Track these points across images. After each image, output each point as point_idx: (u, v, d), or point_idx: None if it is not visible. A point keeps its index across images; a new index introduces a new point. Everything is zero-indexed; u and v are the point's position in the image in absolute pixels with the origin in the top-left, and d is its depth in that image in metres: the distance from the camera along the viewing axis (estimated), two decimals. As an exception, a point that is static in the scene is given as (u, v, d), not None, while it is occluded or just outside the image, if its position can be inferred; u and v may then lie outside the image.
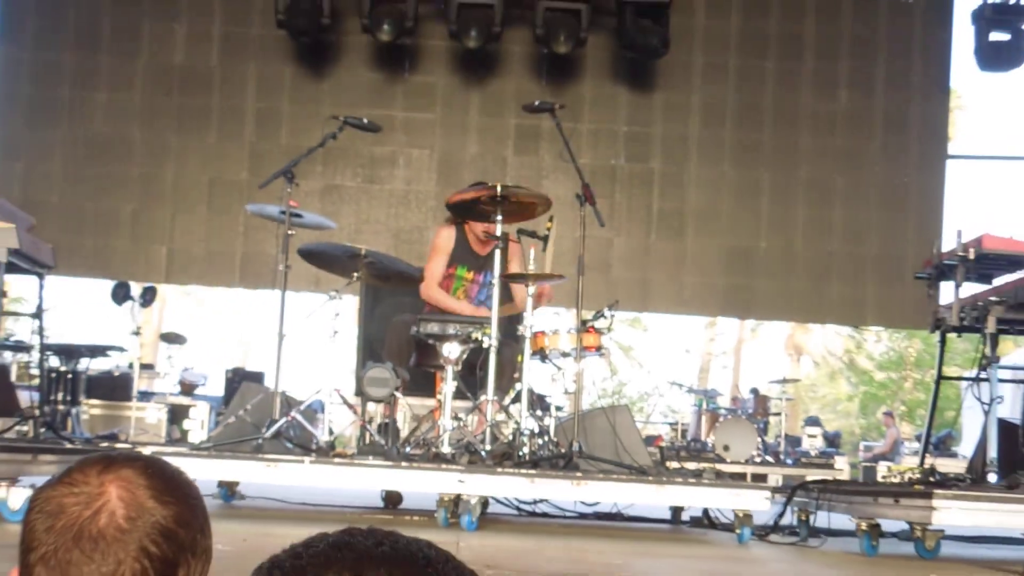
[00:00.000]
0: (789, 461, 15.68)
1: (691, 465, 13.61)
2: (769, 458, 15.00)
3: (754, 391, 18.22)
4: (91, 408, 13.80)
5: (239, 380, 16.01)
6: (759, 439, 15.04)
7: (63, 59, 13.03)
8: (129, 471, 1.59)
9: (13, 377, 10.01)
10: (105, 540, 1.53)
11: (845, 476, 15.17)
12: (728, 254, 13.32)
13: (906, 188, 13.36)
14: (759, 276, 13.34)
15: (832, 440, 19.81)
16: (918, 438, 19.58)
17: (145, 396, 14.86)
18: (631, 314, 19.49)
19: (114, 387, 14.23)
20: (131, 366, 13.44)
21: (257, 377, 16.03)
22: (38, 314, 6.67)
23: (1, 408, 6.06)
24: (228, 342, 32.38)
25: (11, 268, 5.81)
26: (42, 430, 6.31)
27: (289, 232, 6.63)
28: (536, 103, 7.90)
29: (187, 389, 16.72)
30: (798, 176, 13.33)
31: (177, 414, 15.61)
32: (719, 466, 14.60)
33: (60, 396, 11.47)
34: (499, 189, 6.39)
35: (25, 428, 6.12)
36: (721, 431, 14.50)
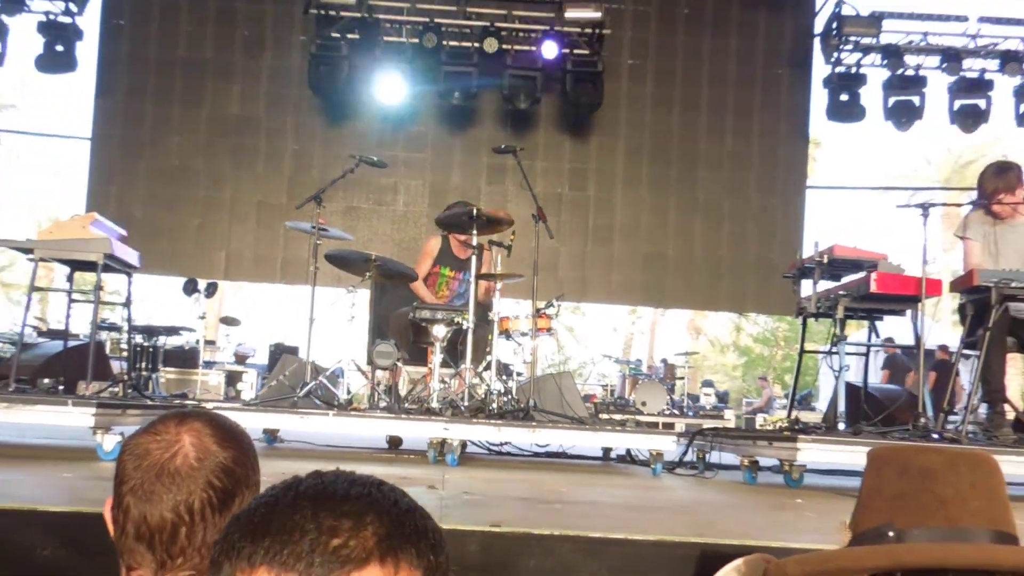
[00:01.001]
0: (690, 413, 15.71)
1: (617, 416, 13.63)
2: (675, 411, 15.03)
3: (664, 361, 18.29)
4: (167, 374, 13.89)
5: (279, 353, 15.97)
6: (668, 397, 15.07)
7: (145, 109, 12.96)
8: (198, 423, 1.59)
9: (107, 351, 9.92)
10: (180, 475, 1.54)
11: (732, 424, 15.22)
12: (644, 258, 13.36)
13: (775, 210, 13.44)
14: (668, 274, 13.40)
15: (722, 398, 19.89)
16: (786, 396, 19.76)
17: (208, 365, 14.89)
18: (573, 304, 19.42)
19: (184, 358, 14.27)
20: (197, 342, 13.41)
21: (293, 350, 15.95)
22: (127, 303, 6.62)
23: (98, 375, 5.96)
24: (271, 324, 32.27)
25: (107, 268, 5.75)
26: (129, 391, 6.26)
27: (317, 242, 6.63)
28: (502, 146, 7.93)
29: (240, 359, 16.81)
30: (696, 200, 13.38)
31: (232, 378, 15.62)
32: (638, 417, 14.65)
33: (143, 365, 11.44)
34: (475, 211, 6.42)
35: (116, 390, 6.08)
36: (639, 391, 14.52)
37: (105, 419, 4.66)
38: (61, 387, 5.79)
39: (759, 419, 14.00)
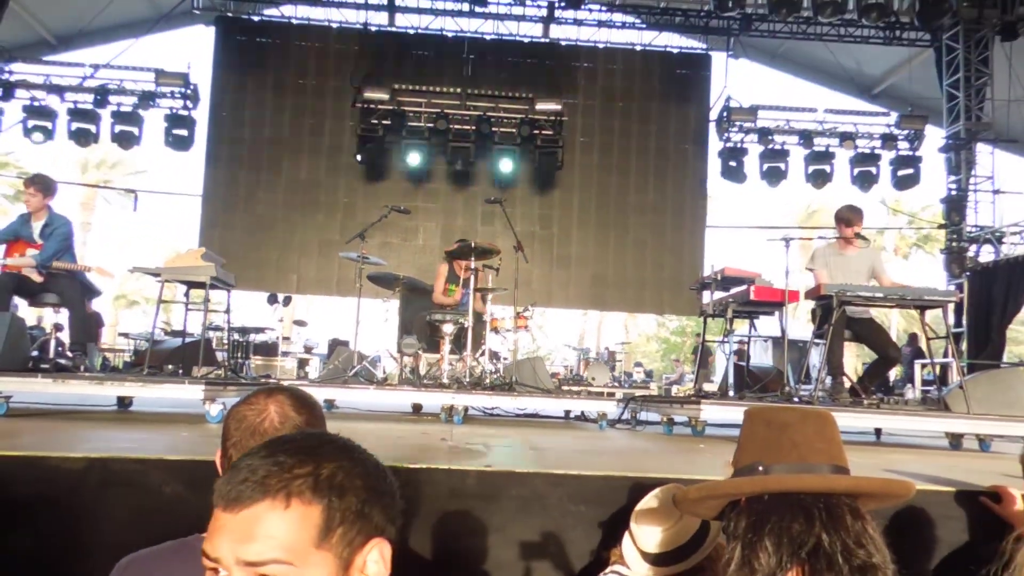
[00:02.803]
0: (626, 385, 15.63)
1: (575, 388, 13.58)
2: (616, 383, 14.94)
3: (607, 349, 18.20)
4: (255, 361, 13.88)
5: (335, 345, 15.90)
6: (611, 374, 14.96)
7: (240, 175, 12.94)
8: (281, 396, 1.59)
9: (213, 345, 9.82)
10: (268, 434, 1.54)
11: (655, 393, 15.16)
12: (593, 277, 13.40)
13: (684, 243, 13.53)
14: (609, 288, 13.44)
15: (648, 374, 19.83)
16: (693, 373, 19.82)
17: (285, 354, 14.80)
18: (542, 308, 19.31)
19: (268, 350, 14.20)
20: (277, 338, 13.32)
21: (345, 343, 15.87)
22: (227, 311, 6.56)
23: (207, 362, 5.90)
24: (330, 325, 32.07)
25: (212, 286, 5.72)
26: (229, 374, 6.17)
27: (361, 267, 6.61)
28: (492, 199, 7.90)
29: (307, 350, 16.62)
30: (628, 237, 13.43)
31: (302, 363, 15.46)
32: (589, 388, 14.57)
33: (239, 355, 11.37)
34: (472, 244, 6.42)
35: (219, 372, 5.98)
36: (590, 369, 14.41)
37: (211, 392, 4.63)
38: (180, 371, 5.77)
39: (674, 389, 13.94)
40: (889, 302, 5.20)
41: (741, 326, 8.15)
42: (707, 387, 6.52)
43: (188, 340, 6.46)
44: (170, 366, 5.70)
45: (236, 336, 12.14)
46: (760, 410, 1.46)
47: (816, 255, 5.92)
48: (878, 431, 5.69)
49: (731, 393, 5.49)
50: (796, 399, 5.12)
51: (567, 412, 6.97)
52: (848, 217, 5.84)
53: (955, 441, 5.24)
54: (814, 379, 5.50)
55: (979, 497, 2.69)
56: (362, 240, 6.64)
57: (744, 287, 5.71)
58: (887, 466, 3.73)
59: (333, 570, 0.94)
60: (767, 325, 9.42)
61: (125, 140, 12.44)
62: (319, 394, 5.71)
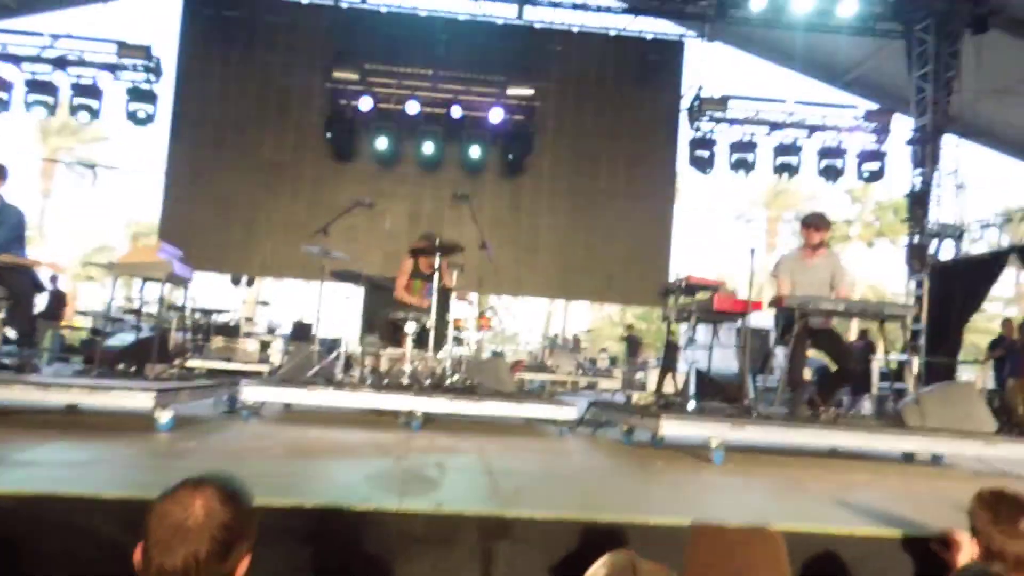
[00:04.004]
0: (590, 373, 15.67)
1: (539, 375, 13.63)
2: (580, 370, 15.02)
3: (574, 336, 18.23)
4: (216, 342, 13.87)
5: (298, 328, 15.99)
6: (575, 361, 15.00)
7: (204, 152, 12.66)
8: (209, 489, 1.53)
9: (173, 326, 9.49)
10: (191, 532, 1.46)
11: (618, 383, 15.35)
12: (562, 266, 13.37)
13: (652, 230, 13.49)
14: (577, 276, 13.39)
15: (612, 360, 19.93)
16: (657, 360, 20.00)
17: (248, 335, 14.70)
18: (510, 296, 19.20)
19: (230, 331, 14.16)
20: (240, 319, 13.17)
21: (307, 328, 15.83)
22: (182, 307, 6.36)
23: (160, 358, 5.70)
24: (293, 306, 31.84)
25: (169, 280, 5.54)
26: (183, 371, 5.94)
27: (324, 264, 6.44)
28: (459, 194, 7.78)
29: (271, 332, 16.57)
30: (597, 224, 13.36)
31: (264, 346, 15.34)
32: (553, 376, 14.65)
33: (199, 337, 11.23)
34: (438, 241, 6.29)
35: (173, 370, 5.72)
36: (555, 357, 14.43)
37: (162, 400, 4.47)
38: (133, 368, 5.60)
39: (637, 375, 13.95)
40: (850, 315, 5.19)
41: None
42: (668, 388, 6.48)
43: (142, 336, 6.24)
44: (122, 365, 5.53)
45: (198, 316, 11.93)
46: (704, 531, 1.39)
47: (781, 263, 5.89)
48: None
49: (692, 403, 5.45)
50: (754, 412, 5.10)
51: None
52: (815, 223, 5.81)
53: (908, 454, 5.30)
54: (776, 383, 5.47)
55: (928, 543, 2.68)
56: (325, 234, 6.45)
57: (707, 295, 5.66)
58: (840, 492, 3.73)
59: None
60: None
61: (84, 113, 12.03)
62: (278, 396, 5.57)
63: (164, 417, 4.46)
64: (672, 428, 4.60)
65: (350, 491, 2.94)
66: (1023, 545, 2.26)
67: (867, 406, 5.57)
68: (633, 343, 17.37)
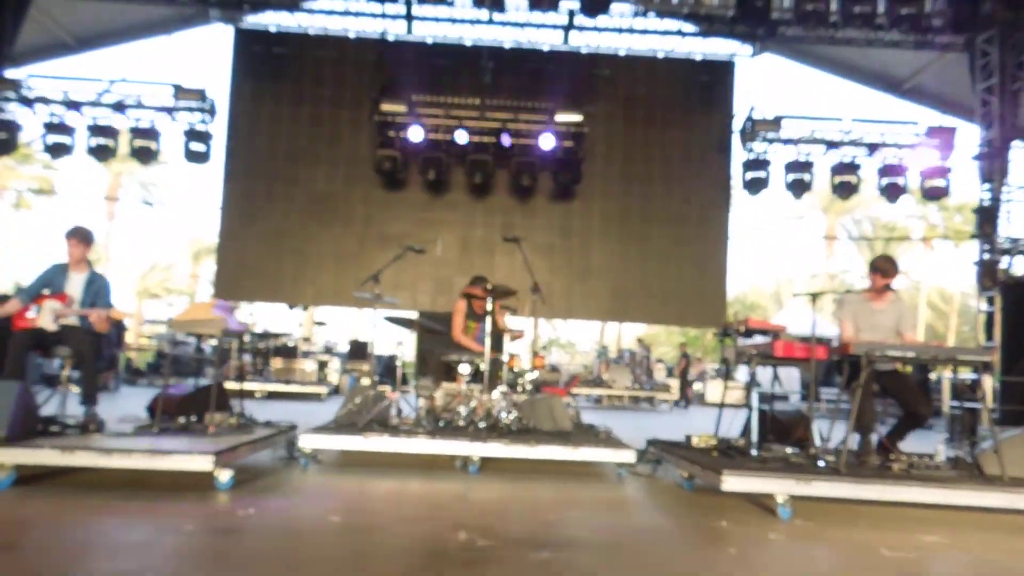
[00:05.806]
0: (648, 388, 15.49)
1: (595, 390, 13.39)
2: (637, 384, 14.87)
3: (631, 351, 18.05)
4: (276, 363, 14.35)
5: (354, 347, 16.32)
6: (631, 375, 14.85)
7: (257, 186, 12.91)
8: None
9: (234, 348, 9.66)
10: None
11: (675, 394, 15.10)
12: (614, 289, 13.20)
13: (707, 253, 13.26)
14: (631, 300, 13.23)
15: (669, 371, 19.67)
16: (716, 372, 19.67)
17: (306, 355, 15.10)
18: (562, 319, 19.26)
19: (288, 352, 14.65)
20: (298, 340, 13.62)
21: (364, 346, 16.05)
22: (241, 348, 6.43)
23: (219, 407, 5.78)
24: (349, 325, 32.47)
25: (224, 335, 5.64)
26: (243, 420, 5.99)
27: (375, 307, 6.49)
28: (509, 236, 7.80)
29: (327, 351, 16.97)
30: (650, 248, 13.22)
31: (322, 365, 15.66)
32: (609, 391, 14.43)
33: (258, 360, 11.49)
34: (491, 286, 6.30)
35: (232, 420, 5.79)
36: (611, 372, 14.31)
37: (221, 461, 4.54)
38: (194, 419, 5.71)
39: (695, 387, 13.64)
40: (920, 362, 4.98)
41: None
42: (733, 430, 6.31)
43: (201, 385, 6.36)
44: (182, 419, 5.64)
45: (257, 339, 12.28)
46: None
47: (844, 304, 5.72)
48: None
49: (754, 451, 5.29)
50: (821, 461, 4.93)
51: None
52: (884, 268, 5.65)
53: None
54: (842, 440, 5.28)
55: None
56: (376, 282, 6.50)
57: (768, 339, 5.52)
58: (917, 563, 3.55)
59: None
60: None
61: (144, 155, 12.42)
62: (335, 444, 5.56)
63: (224, 476, 4.53)
64: (735, 484, 4.47)
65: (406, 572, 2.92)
66: None
67: (940, 449, 5.33)
68: (686, 359, 17.61)
